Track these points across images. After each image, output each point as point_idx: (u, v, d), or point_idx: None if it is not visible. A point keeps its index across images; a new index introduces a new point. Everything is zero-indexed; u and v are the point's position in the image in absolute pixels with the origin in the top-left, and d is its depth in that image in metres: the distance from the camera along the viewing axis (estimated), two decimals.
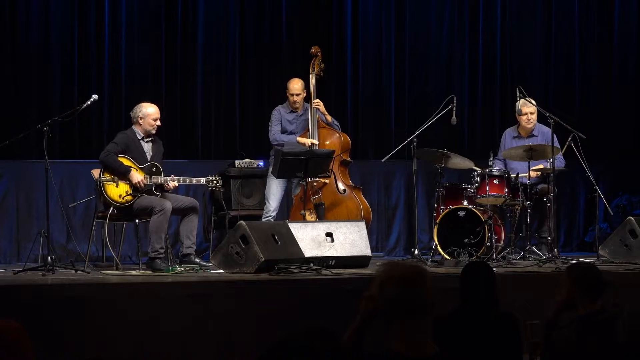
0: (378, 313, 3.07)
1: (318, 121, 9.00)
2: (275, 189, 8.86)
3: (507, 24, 11.27)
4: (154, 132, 8.11)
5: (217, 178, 8.13)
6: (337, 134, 9.08)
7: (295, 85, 9.01)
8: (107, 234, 8.16)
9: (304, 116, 9.06)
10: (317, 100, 9.01)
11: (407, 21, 11.03)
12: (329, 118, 9.07)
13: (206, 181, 8.09)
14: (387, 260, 8.02)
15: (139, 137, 8.07)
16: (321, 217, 8.70)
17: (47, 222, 7.66)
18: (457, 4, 11.16)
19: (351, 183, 9.07)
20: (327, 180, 8.85)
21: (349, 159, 9.13)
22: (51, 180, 7.65)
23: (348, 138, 9.18)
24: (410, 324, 2.97)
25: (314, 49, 9.18)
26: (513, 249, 8.57)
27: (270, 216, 8.80)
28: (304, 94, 9.04)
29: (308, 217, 8.54)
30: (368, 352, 3.06)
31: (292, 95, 8.98)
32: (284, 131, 8.99)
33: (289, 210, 9.15)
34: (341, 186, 8.93)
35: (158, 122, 8.11)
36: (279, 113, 9.04)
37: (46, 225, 7.64)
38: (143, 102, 8.24)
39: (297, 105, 9.01)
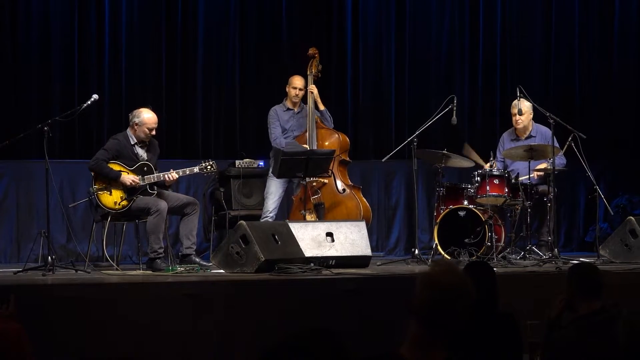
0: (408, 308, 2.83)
1: (316, 122, 8.99)
2: (274, 189, 8.84)
3: (507, 24, 11.26)
4: (146, 140, 8.05)
5: (211, 162, 8.09)
6: (336, 135, 9.08)
7: (299, 81, 9.04)
8: (104, 237, 8.14)
9: (300, 114, 9.04)
10: (313, 85, 9.01)
11: (407, 21, 11.02)
12: (322, 106, 9.04)
13: (200, 169, 8.04)
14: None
15: (132, 142, 8.03)
16: (321, 217, 8.69)
17: (47, 222, 7.65)
18: (457, 4, 11.15)
19: (350, 183, 9.06)
20: (326, 180, 8.84)
21: (348, 158, 9.12)
22: (51, 180, 7.64)
23: (347, 138, 9.18)
24: (431, 334, 2.83)
25: (311, 51, 9.17)
26: (513, 249, 8.57)
27: (268, 216, 8.78)
28: (304, 92, 9.05)
29: (308, 217, 8.53)
30: (370, 354, 2.97)
31: (295, 88, 8.97)
32: (282, 130, 8.98)
33: (289, 210, 9.13)
34: (340, 186, 8.92)
35: (153, 132, 8.04)
36: (276, 113, 9.01)
37: (46, 225, 7.63)
38: (144, 108, 8.18)
39: (297, 100, 9.01)
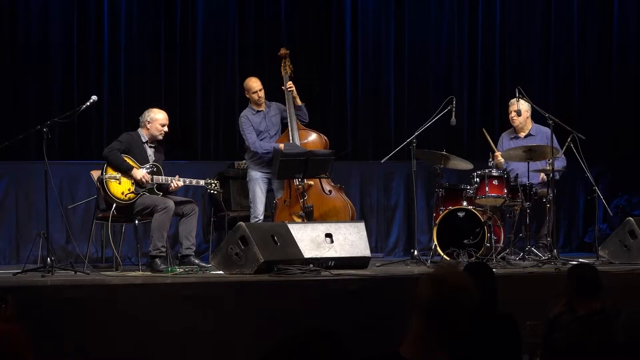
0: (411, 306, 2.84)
1: (297, 122, 8.93)
2: (260, 193, 8.80)
3: (507, 24, 11.27)
4: (160, 137, 8.18)
5: (216, 182, 8.19)
6: (316, 135, 9.01)
7: (255, 83, 8.93)
8: (109, 234, 8.12)
9: (269, 113, 8.96)
10: (290, 83, 8.93)
11: (407, 21, 11.03)
12: (299, 102, 8.97)
13: (205, 183, 8.16)
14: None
15: (143, 140, 8.14)
16: (310, 219, 8.61)
17: (46, 223, 7.65)
18: (456, 4, 11.16)
19: (332, 183, 8.99)
20: (312, 182, 8.77)
21: None
22: (51, 181, 7.64)
23: (326, 138, 9.10)
24: (435, 332, 2.82)
25: (282, 51, 9.12)
26: (512, 250, 8.56)
27: (258, 220, 8.76)
28: (264, 90, 8.94)
29: (297, 219, 8.50)
30: (370, 355, 2.96)
31: (256, 92, 8.87)
32: (257, 133, 8.90)
33: (272, 213, 9.04)
34: (327, 187, 8.88)
35: (165, 129, 8.18)
36: (248, 119, 8.88)
37: (46, 227, 7.63)
38: (153, 107, 8.28)
39: (262, 101, 8.91)
